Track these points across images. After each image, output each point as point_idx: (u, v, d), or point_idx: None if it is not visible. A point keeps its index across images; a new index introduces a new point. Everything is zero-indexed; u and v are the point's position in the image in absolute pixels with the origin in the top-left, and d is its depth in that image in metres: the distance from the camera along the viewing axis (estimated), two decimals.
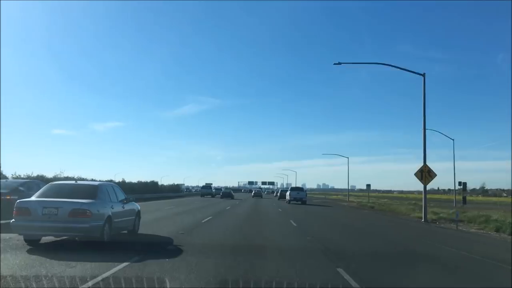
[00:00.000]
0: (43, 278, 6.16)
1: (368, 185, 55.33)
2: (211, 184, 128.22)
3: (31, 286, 5.73)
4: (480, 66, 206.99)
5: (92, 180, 26.34)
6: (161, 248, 9.86)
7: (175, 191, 66.24)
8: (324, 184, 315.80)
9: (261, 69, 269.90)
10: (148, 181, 54.27)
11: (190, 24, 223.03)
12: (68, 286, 5.77)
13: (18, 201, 9.38)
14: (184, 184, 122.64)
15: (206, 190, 64.21)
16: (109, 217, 9.82)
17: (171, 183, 77.63)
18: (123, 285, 5.88)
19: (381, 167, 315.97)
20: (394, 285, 6.91)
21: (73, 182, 11.64)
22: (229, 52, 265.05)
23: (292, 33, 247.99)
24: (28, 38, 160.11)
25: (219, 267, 7.53)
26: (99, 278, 6.24)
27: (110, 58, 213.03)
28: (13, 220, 9.07)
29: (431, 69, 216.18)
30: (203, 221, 17.49)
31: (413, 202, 57.50)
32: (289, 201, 43.15)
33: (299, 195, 43.57)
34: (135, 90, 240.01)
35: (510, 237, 16.12)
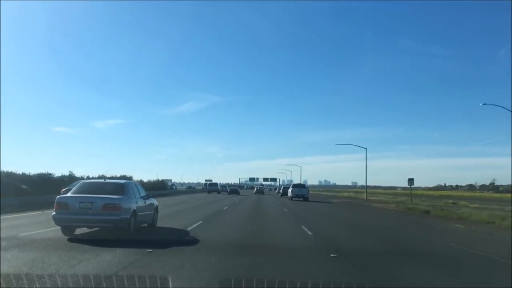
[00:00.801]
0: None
1: (411, 180, 38.38)
2: (211, 180, 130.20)
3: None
4: (481, 62, 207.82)
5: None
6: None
7: (160, 188, 57.62)
8: (325, 181, 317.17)
9: (261, 65, 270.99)
10: (119, 175, 46.45)
11: (190, 21, 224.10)
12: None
13: (58, 197, 10.82)
14: (171, 180, 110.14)
15: (213, 187, 71.65)
16: (134, 211, 11.23)
17: (167, 178, 74.39)
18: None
19: (382, 163, 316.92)
20: None
21: (102, 180, 13.12)
22: (229, 48, 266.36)
23: (293, 28, 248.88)
24: (28, 36, 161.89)
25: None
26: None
27: (110, 56, 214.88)
28: (54, 213, 10.50)
29: (432, 65, 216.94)
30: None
31: (451, 201, 46.60)
32: (291, 197, 43.71)
33: (301, 191, 44.06)
34: (136, 87, 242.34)
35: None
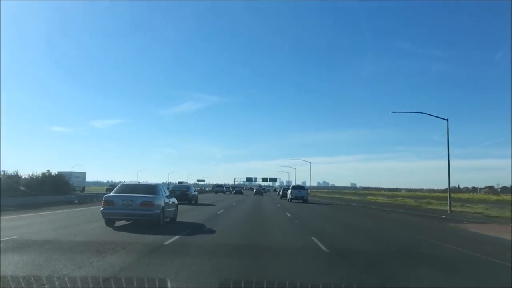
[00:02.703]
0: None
1: None
2: (204, 180, 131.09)
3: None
4: (479, 64, 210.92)
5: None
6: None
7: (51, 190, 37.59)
8: (324, 182, 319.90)
9: (260, 66, 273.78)
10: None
11: (189, 22, 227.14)
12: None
13: (105, 195, 13.69)
14: (84, 174, 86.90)
15: (219, 188, 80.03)
16: (163, 207, 14.07)
17: (74, 171, 61.84)
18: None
19: (380, 165, 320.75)
20: None
21: (137, 182, 16.03)
22: (228, 49, 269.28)
23: (291, 30, 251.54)
24: (28, 36, 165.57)
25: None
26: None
27: (108, 56, 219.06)
28: (102, 208, 13.36)
29: (430, 67, 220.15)
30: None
31: None
32: (290, 199, 43.49)
33: (301, 193, 43.80)
34: (134, 87, 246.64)
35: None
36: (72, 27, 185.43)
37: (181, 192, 31.46)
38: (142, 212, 13.24)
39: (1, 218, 15.81)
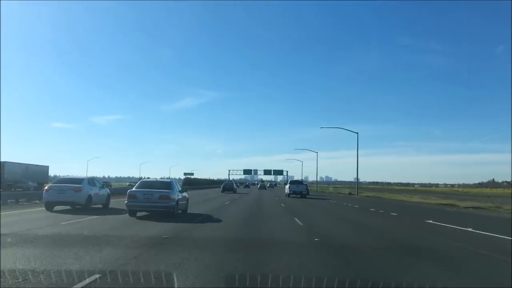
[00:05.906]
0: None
1: None
2: (193, 174, 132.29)
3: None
4: (480, 58, 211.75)
5: None
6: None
7: None
8: (327, 177, 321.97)
9: (260, 61, 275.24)
10: None
11: (188, 19, 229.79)
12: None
13: (128, 190, 16.20)
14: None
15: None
16: (177, 200, 16.56)
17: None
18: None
19: (380, 160, 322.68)
20: None
21: (155, 179, 18.54)
22: (227, 44, 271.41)
23: (292, 26, 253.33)
24: (29, 32, 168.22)
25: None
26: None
27: (109, 52, 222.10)
28: (126, 201, 15.88)
29: (430, 62, 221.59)
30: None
31: None
32: (289, 194, 43.45)
33: (299, 188, 43.86)
34: (135, 83, 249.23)
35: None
36: (74, 25, 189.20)
37: (229, 186, 54.91)
38: (160, 204, 15.74)
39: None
